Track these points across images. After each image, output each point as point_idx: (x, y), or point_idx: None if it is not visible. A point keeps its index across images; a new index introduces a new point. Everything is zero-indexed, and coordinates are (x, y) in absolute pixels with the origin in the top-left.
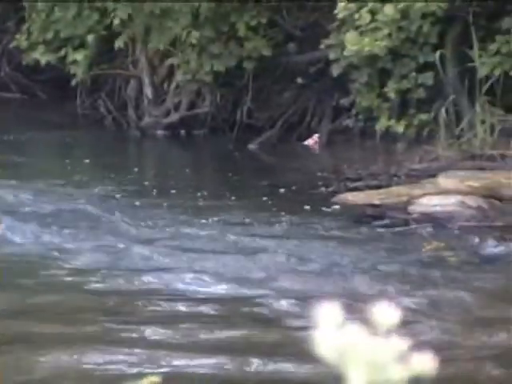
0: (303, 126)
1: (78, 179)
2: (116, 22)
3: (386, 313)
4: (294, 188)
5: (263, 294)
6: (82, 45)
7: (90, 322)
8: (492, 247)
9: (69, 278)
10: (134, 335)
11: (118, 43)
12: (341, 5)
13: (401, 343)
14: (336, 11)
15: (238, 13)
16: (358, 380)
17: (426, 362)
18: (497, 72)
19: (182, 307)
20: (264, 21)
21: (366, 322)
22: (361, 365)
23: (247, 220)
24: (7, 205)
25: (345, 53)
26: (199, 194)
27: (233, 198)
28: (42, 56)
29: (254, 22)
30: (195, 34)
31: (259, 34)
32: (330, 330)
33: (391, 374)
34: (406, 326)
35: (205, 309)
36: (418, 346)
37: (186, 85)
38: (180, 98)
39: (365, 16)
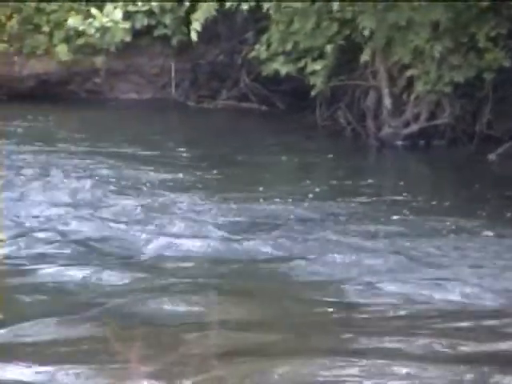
0: None
1: (315, 188)
2: (366, 33)
3: None
4: None
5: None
6: (321, 55)
7: (323, 332)
8: None
9: (306, 291)
10: (371, 346)
11: (364, 57)
12: None
13: None
14: None
15: (477, 24)
16: None
17: None
18: None
19: (420, 318)
20: (504, 31)
21: None
22: None
23: (488, 233)
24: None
25: None
26: (439, 204)
27: (471, 210)
28: (281, 67)
29: (493, 33)
30: (438, 47)
31: (499, 45)
32: None
33: None
34: None
35: (447, 320)
36: None
37: (426, 96)
38: (419, 109)
39: None
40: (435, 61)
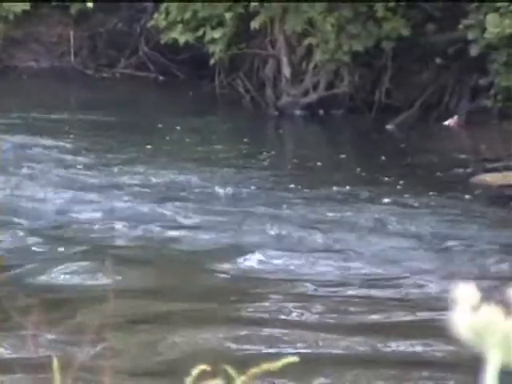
0: (441, 106)
1: (215, 157)
2: (254, 3)
3: None
4: (431, 169)
5: (401, 275)
6: (221, 24)
7: (223, 302)
8: None
9: (203, 259)
10: (270, 315)
11: (254, 24)
12: None
13: None
14: None
15: None
16: (494, 360)
17: None
18: None
19: (317, 288)
20: (403, 2)
21: (502, 302)
22: (497, 345)
23: (386, 200)
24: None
25: (485, 35)
26: (336, 175)
27: (370, 178)
28: (180, 35)
29: (392, 3)
30: (331, 19)
31: (398, 15)
32: (466, 311)
33: None
34: None
35: (342, 290)
36: None
37: (325, 65)
38: (318, 78)
39: None
40: (334, 30)
